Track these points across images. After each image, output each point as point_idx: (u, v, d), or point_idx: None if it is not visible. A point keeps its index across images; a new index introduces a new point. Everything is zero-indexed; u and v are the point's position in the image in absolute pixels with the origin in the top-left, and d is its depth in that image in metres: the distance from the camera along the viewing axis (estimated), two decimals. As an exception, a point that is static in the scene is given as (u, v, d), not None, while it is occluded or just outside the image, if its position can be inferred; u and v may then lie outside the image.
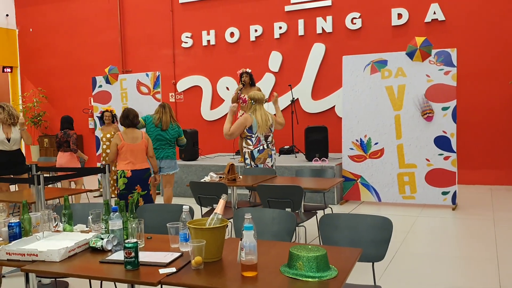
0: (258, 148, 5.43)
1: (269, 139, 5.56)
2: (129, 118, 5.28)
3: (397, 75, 7.12)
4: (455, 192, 6.84)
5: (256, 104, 5.50)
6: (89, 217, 2.87)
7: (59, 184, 7.57)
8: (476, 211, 6.61)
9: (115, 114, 8.03)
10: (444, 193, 6.90)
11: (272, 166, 5.60)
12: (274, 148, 5.66)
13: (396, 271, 4.32)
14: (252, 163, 5.48)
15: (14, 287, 4.21)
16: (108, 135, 7.79)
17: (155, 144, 6.14)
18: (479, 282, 4.01)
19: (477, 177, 8.61)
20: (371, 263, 2.85)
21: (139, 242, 2.41)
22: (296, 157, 8.61)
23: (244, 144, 5.53)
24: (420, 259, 4.68)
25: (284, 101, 9.84)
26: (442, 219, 6.30)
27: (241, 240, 2.11)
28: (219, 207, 2.36)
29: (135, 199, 4.88)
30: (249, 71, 8.05)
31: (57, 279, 3.93)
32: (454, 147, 6.81)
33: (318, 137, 7.85)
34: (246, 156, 5.52)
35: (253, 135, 5.43)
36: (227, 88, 10.53)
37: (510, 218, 6.13)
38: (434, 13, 8.79)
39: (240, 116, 8.10)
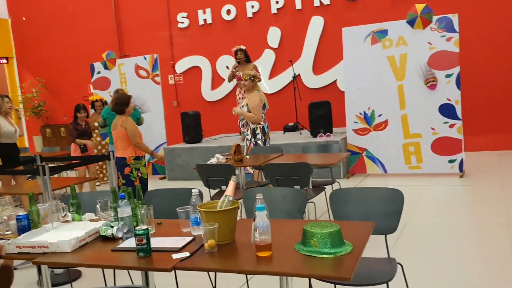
0: (267, 124, 5.57)
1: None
2: (112, 105, 5.19)
3: (399, 44, 7.01)
4: (462, 160, 6.80)
5: (257, 81, 5.48)
6: (97, 206, 2.85)
7: (64, 174, 7.57)
8: (484, 177, 6.58)
9: (105, 101, 7.97)
10: (451, 161, 6.86)
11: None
12: None
13: (408, 243, 4.31)
14: (263, 137, 5.51)
15: (27, 279, 4.22)
16: (96, 123, 7.82)
17: None
18: (491, 248, 3.99)
19: (483, 143, 8.55)
20: (384, 236, 2.83)
21: (149, 228, 2.39)
22: (301, 133, 8.55)
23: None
24: (430, 229, 4.66)
25: (286, 77, 9.75)
26: (450, 187, 6.27)
27: (254, 221, 2.07)
28: (229, 189, 2.32)
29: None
30: (244, 48, 7.95)
31: (69, 268, 3.93)
32: (459, 114, 6.74)
33: (322, 113, 7.78)
34: (258, 131, 5.51)
35: (264, 111, 5.52)
36: (227, 67, 10.41)
37: (519, 183, 6.10)
38: (433, -22, 8.60)
39: (240, 97, 8.03)
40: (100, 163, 8.33)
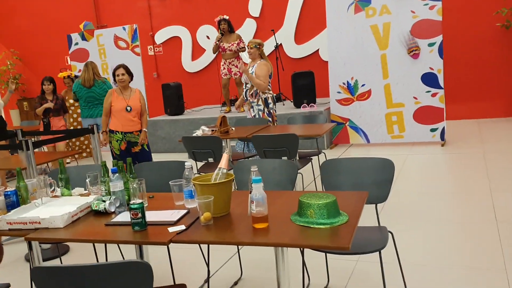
0: (274, 93, 5.48)
1: None
2: None
3: (382, 13, 6.98)
4: (443, 128, 6.90)
5: (262, 49, 5.50)
6: (87, 180, 2.81)
7: (44, 149, 7.45)
8: (465, 145, 6.70)
9: (74, 76, 7.81)
10: (433, 130, 6.95)
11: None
12: None
13: (393, 209, 4.39)
14: (274, 107, 5.53)
15: (14, 255, 4.18)
16: (71, 101, 7.68)
17: (87, 104, 6.44)
18: (475, 213, 4.10)
19: (464, 112, 8.68)
20: (371, 204, 2.87)
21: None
22: (284, 104, 8.53)
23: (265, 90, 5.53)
24: (415, 196, 4.75)
25: (268, 47, 9.62)
26: (432, 155, 6.38)
27: (250, 193, 2.07)
28: (223, 162, 2.31)
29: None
30: (227, 17, 7.82)
31: (58, 243, 3.90)
32: (442, 83, 6.80)
33: (305, 83, 7.76)
34: (270, 101, 5.49)
35: (270, 81, 5.47)
36: (208, 37, 10.25)
37: (499, 150, 6.23)
38: None
39: (225, 68, 7.92)
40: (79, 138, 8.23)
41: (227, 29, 7.76)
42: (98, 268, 1.68)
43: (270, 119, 5.54)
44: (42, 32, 11.90)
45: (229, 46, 7.75)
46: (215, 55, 8.35)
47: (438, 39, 6.72)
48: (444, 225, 3.93)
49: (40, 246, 4.08)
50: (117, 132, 4.91)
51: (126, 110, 4.83)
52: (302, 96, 7.73)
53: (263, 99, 5.51)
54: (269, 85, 5.52)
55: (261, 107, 5.54)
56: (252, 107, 5.59)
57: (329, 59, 7.38)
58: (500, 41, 8.33)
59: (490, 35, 8.36)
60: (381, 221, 4.08)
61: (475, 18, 8.39)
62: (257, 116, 5.56)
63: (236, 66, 7.86)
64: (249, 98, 5.59)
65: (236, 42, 7.76)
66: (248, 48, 5.51)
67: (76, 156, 8.28)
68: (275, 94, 5.57)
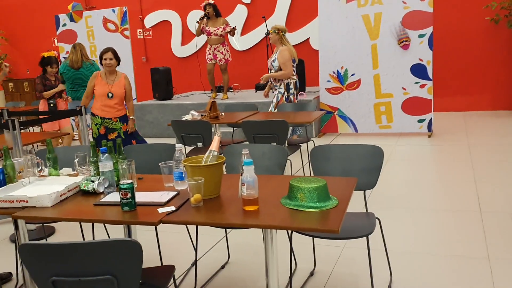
0: (298, 79, 5.55)
1: None
2: None
3: (374, 3, 6.98)
4: (431, 120, 6.96)
5: (284, 34, 5.52)
6: (75, 160, 2.78)
7: (31, 129, 7.36)
8: (451, 137, 6.77)
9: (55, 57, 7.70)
10: (420, 121, 7.01)
11: None
12: None
13: (380, 197, 4.43)
14: (295, 92, 5.53)
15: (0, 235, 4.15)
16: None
17: (73, 86, 6.35)
18: (459, 203, 4.16)
19: (450, 104, 8.76)
20: (359, 191, 2.89)
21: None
22: (273, 92, 8.50)
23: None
24: (401, 185, 4.80)
25: (259, 34, 9.61)
26: (419, 146, 6.44)
27: (241, 175, 2.07)
28: (214, 144, 2.30)
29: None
30: (212, 2, 7.76)
31: (44, 224, 3.87)
32: (430, 75, 6.85)
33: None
34: (291, 86, 5.49)
35: (295, 65, 5.45)
36: (197, 22, 10.14)
37: (484, 142, 6.31)
38: None
39: (210, 53, 7.87)
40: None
41: (213, 13, 7.68)
42: (88, 246, 1.67)
43: (287, 102, 5.58)
44: (29, 12, 11.69)
45: (215, 31, 7.67)
46: (199, 37, 8.27)
47: (429, 30, 6.75)
48: (429, 214, 3.98)
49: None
50: (96, 116, 4.89)
51: (107, 96, 4.79)
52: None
53: (286, 83, 5.54)
54: (294, 70, 5.52)
55: (282, 91, 5.59)
56: (274, 91, 5.66)
57: (320, 47, 7.38)
58: (489, 35, 8.40)
59: (480, 28, 8.42)
60: (368, 208, 4.13)
61: (465, 12, 8.44)
62: (274, 100, 5.60)
63: (222, 53, 7.80)
64: (273, 82, 5.65)
65: (222, 26, 7.69)
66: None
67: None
68: (297, 79, 5.57)
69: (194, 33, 8.06)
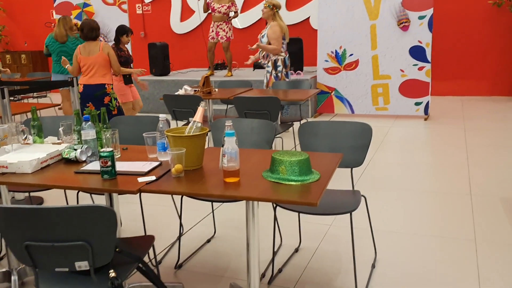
0: (288, 56, 5.45)
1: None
2: (84, 32, 4.79)
3: (375, -17, 6.86)
4: (427, 103, 6.91)
5: (278, 10, 5.43)
6: (60, 129, 2.75)
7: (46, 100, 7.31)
8: (448, 121, 6.73)
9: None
10: (417, 104, 6.97)
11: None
12: None
13: (371, 178, 4.42)
14: (284, 70, 5.45)
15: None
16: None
17: (58, 58, 6.19)
18: (450, 186, 4.14)
19: (448, 88, 8.69)
20: (350, 169, 2.87)
21: (114, 152, 2.33)
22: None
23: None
24: (394, 166, 4.78)
25: (258, 12, 9.47)
26: (414, 129, 6.41)
27: (222, 146, 2.04)
28: (198, 115, 2.27)
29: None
30: None
31: (31, 194, 3.86)
32: (429, 57, 6.78)
33: (293, 49, 7.64)
34: (279, 63, 5.42)
35: (285, 43, 5.39)
36: (197, -1, 10.03)
37: (480, 127, 6.28)
38: None
39: (213, 31, 7.78)
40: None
41: None
42: (61, 210, 1.66)
43: (276, 80, 5.50)
44: (27, -17, 11.54)
45: (219, 8, 7.59)
46: (205, 15, 8.18)
47: (429, 12, 6.65)
48: (418, 196, 3.97)
49: (13, 197, 4.06)
50: None
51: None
52: (290, 63, 7.63)
53: (273, 61, 5.46)
54: (283, 47, 5.44)
55: (270, 69, 5.50)
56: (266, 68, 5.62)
57: (319, 26, 7.29)
58: (491, 19, 8.29)
59: (482, 12, 8.31)
60: (358, 186, 4.13)
61: (468, -6, 8.32)
62: (264, 80, 5.54)
63: (224, 30, 7.73)
64: (262, 60, 5.57)
65: (228, 5, 7.60)
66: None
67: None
68: (287, 56, 5.46)
69: (195, 10, 7.96)
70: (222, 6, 7.58)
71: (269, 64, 5.48)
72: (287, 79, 5.52)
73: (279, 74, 5.47)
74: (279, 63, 5.44)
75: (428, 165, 4.81)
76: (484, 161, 4.81)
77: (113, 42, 5.84)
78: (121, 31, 5.80)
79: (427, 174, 4.54)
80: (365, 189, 4.10)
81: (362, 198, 2.69)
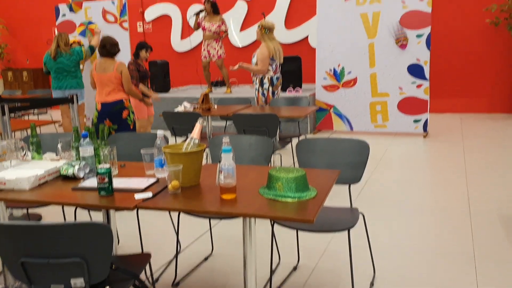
0: (277, 75, 5.56)
1: (280, 67, 5.71)
2: (106, 48, 4.80)
3: (372, 2, 6.95)
4: (426, 120, 6.93)
5: (270, 33, 5.54)
6: (59, 145, 2.76)
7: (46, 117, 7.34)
8: (446, 138, 6.74)
9: (82, 44, 7.69)
10: (416, 121, 6.99)
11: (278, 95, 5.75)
12: None
13: (370, 195, 4.42)
14: (271, 88, 5.53)
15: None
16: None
17: (56, 75, 6.34)
18: (449, 203, 4.13)
19: (447, 106, 8.73)
20: (348, 186, 2.87)
21: (112, 169, 2.34)
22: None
23: None
24: (392, 184, 4.78)
25: (257, 30, 9.56)
26: (413, 146, 6.41)
27: (219, 163, 2.05)
28: (195, 131, 2.28)
29: (106, 131, 4.74)
30: None
31: (29, 210, 3.86)
32: (427, 75, 6.82)
33: (292, 67, 7.74)
34: (265, 81, 5.52)
35: (274, 63, 5.51)
36: (197, 15, 10.12)
37: (478, 144, 6.29)
38: None
39: (204, 49, 7.87)
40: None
41: (210, 10, 7.71)
42: (57, 227, 1.66)
43: (264, 99, 5.54)
44: (30, 1, 11.67)
45: (209, 27, 7.70)
46: (196, 31, 8.32)
47: (427, 30, 6.72)
48: (418, 212, 3.96)
49: (11, 214, 4.05)
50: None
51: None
52: (289, 81, 7.71)
53: (260, 78, 5.53)
54: (272, 67, 5.55)
55: (257, 86, 5.60)
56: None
57: (317, 44, 7.35)
58: (488, 38, 8.37)
59: (479, 30, 8.39)
60: (358, 203, 4.12)
61: (465, 13, 8.40)
62: (254, 96, 5.61)
63: (215, 49, 7.82)
64: (252, 77, 5.64)
65: (218, 23, 7.70)
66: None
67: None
68: (276, 76, 5.52)
69: (192, 26, 8.06)
70: (213, 25, 7.69)
71: (257, 81, 5.58)
72: (273, 98, 5.58)
73: (265, 92, 5.55)
74: (265, 80, 5.54)
75: (427, 183, 4.80)
76: (483, 178, 4.81)
77: (133, 56, 5.98)
78: (141, 46, 5.93)
79: (426, 191, 4.54)
80: (364, 206, 4.09)
81: (360, 215, 2.69)
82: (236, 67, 5.44)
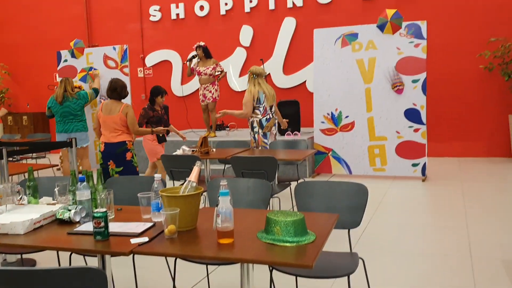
0: (266, 117, 5.67)
1: (273, 109, 5.79)
2: (117, 91, 4.84)
3: (368, 48, 7.10)
4: (424, 164, 6.94)
5: (258, 78, 5.66)
6: (55, 189, 2.74)
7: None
8: (445, 182, 6.73)
9: (83, 89, 7.80)
10: (414, 165, 6.99)
11: (275, 134, 5.84)
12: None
13: (369, 239, 4.36)
14: (261, 130, 5.63)
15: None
16: None
17: (62, 118, 6.42)
18: (450, 248, 4.08)
19: (445, 150, 8.76)
20: (347, 231, 2.84)
21: (108, 213, 2.32)
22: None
23: (252, 114, 5.67)
24: (392, 228, 4.73)
25: (255, 75, 9.72)
26: (412, 190, 6.39)
27: (216, 206, 2.03)
28: (193, 175, 2.28)
29: (111, 174, 4.72)
30: (202, 44, 7.96)
31: (23, 256, 3.79)
32: (424, 119, 6.88)
33: (290, 111, 7.81)
34: (255, 124, 5.64)
35: (261, 106, 5.61)
36: (185, 65, 10.33)
37: (478, 188, 6.27)
38: (404, -14, 8.77)
39: (201, 93, 8.01)
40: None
41: (202, 55, 7.90)
42: (50, 272, 1.62)
43: (255, 142, 5.60)
44: (32, 47, 11.91)
45: (204, 71, 7.86)
46: (189, 77, 8.54)
47: (422, 76, 6.83)
48: (419, 257, 3.89)
49: (5, 259, 3.98)
50: None
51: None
52: (287, 124, 7.75)
53: (250, 122, 5.61)
54: (259, 110, 5.64)
55: (250, 130, 5.71)
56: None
57: (314, 89, 7.46)
58: (482, 83, 8.50)
59: (473, 76, 8.53)
60: (357, 248, 4.06)
61: (459, 59, 8.57)
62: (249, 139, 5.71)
63: (210, 92, 7.95)
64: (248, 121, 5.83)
65: (212, 66, 7.86)
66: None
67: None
68: (265, 118, 5.60)
69: (194, 74, 8.22)
70: (207, 68, 7.85)
71: (249, 125, 5.74)
72: (265, 140, 5.64)
73: (256, 135, 5.65)
74: (255, 124, 5.66)
75: (427, 227, 4.75)
76: (484, 223, 4.76)
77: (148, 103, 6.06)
78: (156, 92, 5.99)
79: (427, 235, 4.48)
80: (364, 251, 4.03)
81: (360, 261, 2.64)
82: (219, 114, 5.57)
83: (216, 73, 7.91)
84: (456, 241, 4.25)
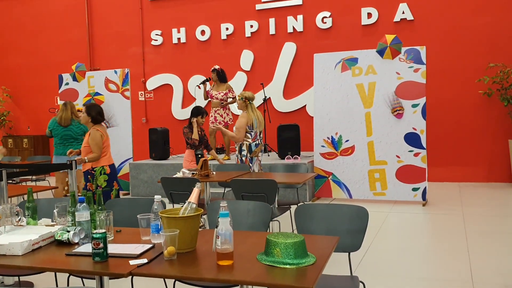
0: (255, 142, 5.73)
1: (261, 134, 5.88)
2: (102, 115, 4.90)
3: (368, 73, 7.16)
4: (425, 188, 6.92)
5: (251, 103, 5.76)
6: (55, 211, 2.73)
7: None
8: (446, 207, 6.70)
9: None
10: (415, 189, 6.97)
11: (260, 161, 5.88)
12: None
13: (371, 263, 4.32)
14: (249, 155, 5.68)
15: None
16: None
17: (62, 141, 6.52)
18: (451, 273, 4.03)
19: (445, 174, 8.75)
20: (347, 254, 2.82)
21: (108, 235, 2.31)
22: (269, 155, 8.56)
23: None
24: (393, 252, 4.69)
25: (257, 100, 9.76)
26: (413, 214, 6.36)
27: (216, 228, 2.02)
28: (193, 196, 2.27)
29: (114, 195, 4.72)
30: (217, 67, 8.04)
31: (20, 279, 3.75)
32: (424, 144, 6.89)
33: (290, 135, 7.84)
34: (244, 148, 5.69)
35: (253, 131, 5.69)
36: (198, 87, 10.40)
37: (479, 213, 6.23)
38: (403, 12, 8.91)
39: (212, 115, 8.03)
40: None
41: (216, 78, 7.97)
42: (48, 293, 1.61)
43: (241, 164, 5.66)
44: (34, 70, 12.02)
45: (216, 95, 7.93)
46: (206, 101, 8.63)
47: (422, 100, 6.88)
48: (419, 282, 3.85)
49: (2, 282, 3.93)
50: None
51: None
52: (287, 148, 7.78)
53: (239, 145, 5.74)
54: (250, 134, 5.72)
55: (237, 153, 5.80)
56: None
57: (315, 113, 7.49)
58: (482, 108, 8.55)
59: (473, 101, 8.58)
60: (358, 272, 4.01)
61: (458, 84, 8.64)
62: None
63: (222, 116, 8.00)
64: (235, 144, 5.87)
65: (224, 91, 7.93)
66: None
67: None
68: (254, 143, 5.64)
69: (196, 98, 8.30)
70: (219, 93, 7.92)
71: (237, 147, 5.80)
72: (250, 164, 5.70)
73: (243, 158, 5.72)
74: (244, 147, 5.71)
75: (428, 252, 4.71)
76: (485, 248, 4.72)
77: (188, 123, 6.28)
78: (196, 112, 6.17)
79: (427, 260, 4.44)
80: (364, 275, 3.97)
81: (361, 284, 2.61)
82: (214, 127, 5.64)
83: (228, 99, 7.97)
84: (457, 266, 4.21)
